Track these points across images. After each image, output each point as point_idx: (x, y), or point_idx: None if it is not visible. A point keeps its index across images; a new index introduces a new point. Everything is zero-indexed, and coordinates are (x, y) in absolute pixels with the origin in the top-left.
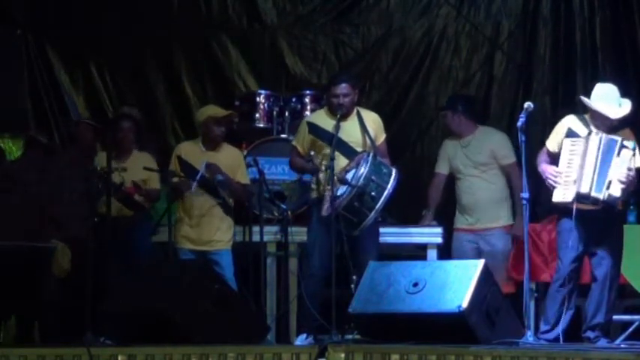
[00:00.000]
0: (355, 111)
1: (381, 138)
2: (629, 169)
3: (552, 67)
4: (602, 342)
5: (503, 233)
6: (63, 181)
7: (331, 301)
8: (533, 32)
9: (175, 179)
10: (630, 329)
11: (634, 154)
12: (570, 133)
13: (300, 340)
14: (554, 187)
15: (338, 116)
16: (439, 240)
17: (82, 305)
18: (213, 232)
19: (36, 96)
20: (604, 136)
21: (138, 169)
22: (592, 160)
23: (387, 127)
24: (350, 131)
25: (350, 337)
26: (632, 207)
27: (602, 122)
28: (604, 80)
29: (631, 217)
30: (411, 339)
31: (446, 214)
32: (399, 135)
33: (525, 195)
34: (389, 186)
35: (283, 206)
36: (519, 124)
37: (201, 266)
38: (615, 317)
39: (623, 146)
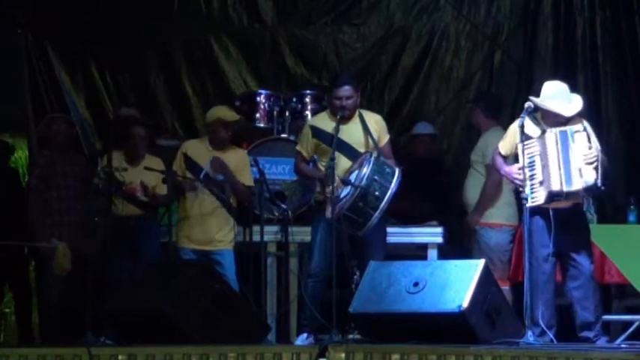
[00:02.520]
0: (357, 113)
1: (384, 139)
2: (589, 148)
3: (553, 67)
4: (602, 341)
5: (495, 230)
6: (67, 181)
7: (332, 301)
8: (533, 32)
9: (179, 178)
10: (630, 329)
11: (587, 134)
12: (523, 137)
13: (301, 340)
14: (522, 187)
15: (338, 118)
16: (439, 240)
17: (82, 305)
18: (215, 232)
19: (36, 96)
20: (557, 130)
21: (148, 173)
22: (554, 157)
23: (387, 127)
24: (353, 133)
25: (350, 337)
26: (632, 207)
27: (554, 120)
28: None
29: (631, 217)
30: (411, 339)
31: (446, 214)
32: (399, 135)
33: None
34: (392, 185)
35: (284, 206)
36: (519, 123)
37: (202, 266)
38: (615, 317)
39: (574, 132)
